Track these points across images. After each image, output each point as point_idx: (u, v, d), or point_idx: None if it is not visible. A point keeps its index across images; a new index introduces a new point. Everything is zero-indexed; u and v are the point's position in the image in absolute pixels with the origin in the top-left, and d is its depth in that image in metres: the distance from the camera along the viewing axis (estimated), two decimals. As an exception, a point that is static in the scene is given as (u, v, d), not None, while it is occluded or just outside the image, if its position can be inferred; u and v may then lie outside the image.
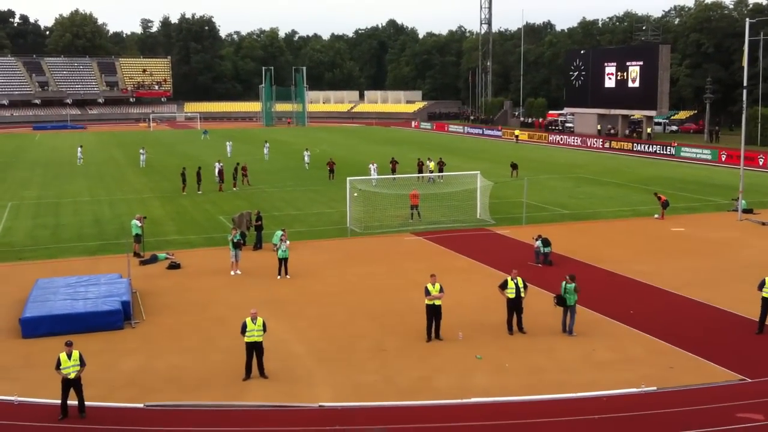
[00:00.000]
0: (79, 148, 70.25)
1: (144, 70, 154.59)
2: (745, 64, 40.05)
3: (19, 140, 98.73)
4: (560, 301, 21.43)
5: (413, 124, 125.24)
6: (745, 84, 41.00)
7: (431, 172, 51.94)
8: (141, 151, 66.30)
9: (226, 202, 44.43)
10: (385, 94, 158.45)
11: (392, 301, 24.47)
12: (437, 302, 20.83)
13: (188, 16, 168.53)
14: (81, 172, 61.19)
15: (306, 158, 61.03)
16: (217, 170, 50.33)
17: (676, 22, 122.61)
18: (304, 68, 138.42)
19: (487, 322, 22.09)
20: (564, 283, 21.53)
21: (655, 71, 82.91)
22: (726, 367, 18.60)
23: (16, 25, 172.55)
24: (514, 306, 21.34)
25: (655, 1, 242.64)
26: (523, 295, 21.36)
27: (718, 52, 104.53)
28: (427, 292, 20.90)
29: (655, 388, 17.42)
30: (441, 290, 20.94)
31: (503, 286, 21.63)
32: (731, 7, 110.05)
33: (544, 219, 38.64)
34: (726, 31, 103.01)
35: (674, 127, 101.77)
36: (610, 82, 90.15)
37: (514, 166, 56.09)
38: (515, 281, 21.39)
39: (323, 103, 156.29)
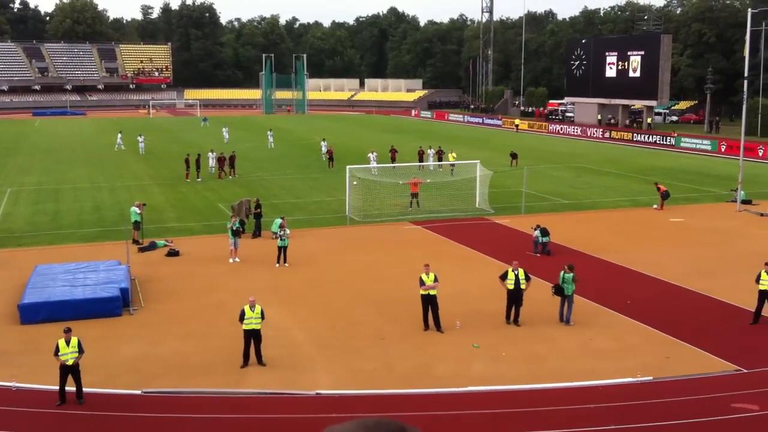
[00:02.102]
0: (119, 135, 68.66)
1: (149, 59, 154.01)
2: (746, 54, 39.97)
3: (19, 126, 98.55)
4: (558, 290, 21.50)
5: (413, 112, 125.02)
6: (746, 74, 40.87)
7: (452, 162, 49.82)
8: (139, 138, 65.92)
9: (226, 190, 44.42)
10: (386, 83, 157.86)
11: (392, 289, 24.51)
12: (432, 292, 20.80)
13: (189, 2, 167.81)
14: (81, 158, 61.11)
15: (323, 149, 59.10)
16: (215, 159, 50.26)
17: (678, 12, 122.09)
18: (305, 56, 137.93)
19: (486, 310, 22.14)
20: (562, 272, 21.59)
21: (657, 61, 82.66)
22: (722, 358, 18.68)
23: (16, 10, 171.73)
24: (514, 297, 21.30)
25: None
26: (523, 286, 21.28)
27: (720, 42, 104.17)
28: (422, 282, 20.87)
29: (651, 377, 17.50)
30: (435, 280, 20.90)
31: (503, 276, 21.61)
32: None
33: (543, 209, 38.65)
34: (728, 21, 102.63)
35: (675, 118, 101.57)
36: (611, 72, 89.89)
37: (513, 156, 56.04)
38: (516, 272, 21.37)
39: (323, 90, 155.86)
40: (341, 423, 3.54)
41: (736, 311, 22.36)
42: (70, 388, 16.43)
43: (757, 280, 21.27)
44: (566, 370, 18.09)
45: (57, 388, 16.38)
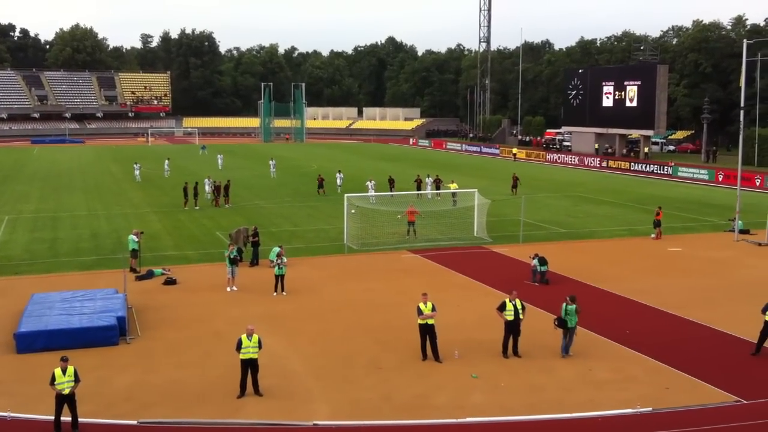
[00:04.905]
0: (167, 162, 69.32)
1: (148, 88, 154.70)
2: (742, 84, 40.22)
3: (17, 154, 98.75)
4: (561, 323, 21.18)
5: (411, 141, 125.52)
6: (742, 104, 41.16)
7: (452, 190, 49.47)
8: (135, 166, 66.00)
9: (224, 218, 44.42)
10: (384, 111, 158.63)
11: (390, 318, 24.41)
12: (430, 321, 20.66)
13: (188, 31, 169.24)
14: (79, 186, 61.17)
15: (339, 181, 57.32)
16: (211, 186, 50.31)
17: (674, 42, 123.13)
18: (303, 84, 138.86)
19: (485, 340, 22.02)
20: (564, 304, 21.28)
21: (653, 91, 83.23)
22: (721, 389, 18.55)
23: (16, 38, 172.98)
24: (512, 329, 21.04)
25: (654, 21, 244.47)
26: (521, 317, 21.13)
27: (716, 72, 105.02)
28: (420, 312, 20.72)
29: (650, 408, 17.38)
30: (433, 309, 20.76)
31: (501, 308, 21.30)
32: (729, 27, 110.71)
33: (541, 237, 38.64)
34: (724, 52, 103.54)
35: (671, 147, 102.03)
36: (607, 101, 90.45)
37: (515, 180, 56.17)
38: (514, 303, 21.18)
39: (322, 119, 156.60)
40: None
41: (736, 341, 22.25)
42: (66, 418, 16.27)
43: (764, 310, 20.95)
44: (565, 400, 17.96)
45: (52, 418, 16.24)
